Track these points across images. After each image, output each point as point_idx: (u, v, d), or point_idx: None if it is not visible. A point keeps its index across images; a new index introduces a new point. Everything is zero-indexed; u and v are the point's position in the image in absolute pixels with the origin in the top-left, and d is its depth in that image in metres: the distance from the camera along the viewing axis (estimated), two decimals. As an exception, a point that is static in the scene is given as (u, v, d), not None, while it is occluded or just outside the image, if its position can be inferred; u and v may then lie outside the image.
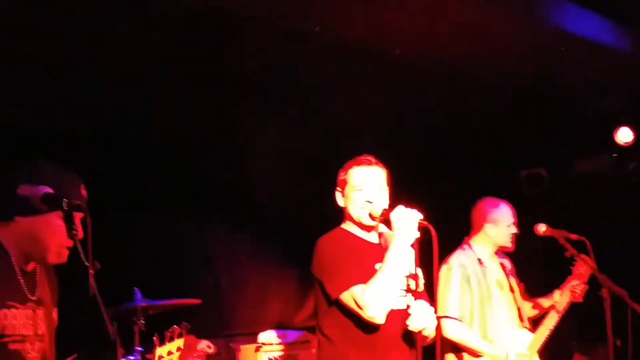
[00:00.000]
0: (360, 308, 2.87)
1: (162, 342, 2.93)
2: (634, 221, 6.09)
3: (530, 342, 4.17)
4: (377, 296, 2.86)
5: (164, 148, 5.08)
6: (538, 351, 4.22)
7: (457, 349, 4.18)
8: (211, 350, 4.84)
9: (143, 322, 3.96)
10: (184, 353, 4.58)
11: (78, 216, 2.36)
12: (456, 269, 4.21)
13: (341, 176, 3.20)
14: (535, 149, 6.39)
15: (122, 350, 3.76)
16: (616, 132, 5.82)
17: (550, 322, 4.19)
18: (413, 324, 2.88)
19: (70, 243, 2.41)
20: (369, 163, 3.16)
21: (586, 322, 5.97)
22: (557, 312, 4.19)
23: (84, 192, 2.49)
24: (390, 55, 4.54)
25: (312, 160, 5.41)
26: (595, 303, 4.19)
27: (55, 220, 2.41)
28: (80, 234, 2.31)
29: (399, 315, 2.97)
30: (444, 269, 4.23)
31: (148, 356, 4.51)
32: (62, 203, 2.30)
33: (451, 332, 4.12)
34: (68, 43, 3.86)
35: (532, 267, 4.66)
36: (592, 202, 6.30)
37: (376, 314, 2.87)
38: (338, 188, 3.21)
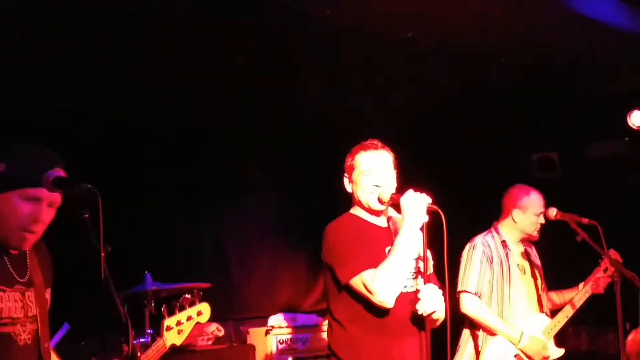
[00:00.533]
0: (371, 293, 2.87)
1: (171, 313, 2.94)
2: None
3: (546, 327, 4.18)
4: (387, 281, 2.86)
5: (173, 134, 5.09)
6: (554, 336, 4.22)
7: (473, 325, 4.21)
8: (221, 333, 4.87)
9: (153, 305, 3.99)
10: (198, 325, 4.65)
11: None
12: (479, 247, 4.25)
13: (348, 162, 3.19)
14: (547, 133, 6.35)
15: (133, 332, 3.82)
16: (629, 116, 5.77)
17: (569, 311, 4.21)
18: (422, 308, 2.88)
19: (38, 228, 2.34)
20: (376, 147, 3.14)
21: (597, 306, 5.99)
22: (574, 306, 4.21)
23: (61, 172, 2.35)
24: (398, 37, 4.51)
25: (321, 145, 5.40)
26: (607, 287, 4.19)
27: (15, 201, 2.29)
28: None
29: (409, 299, 2.97)
30: (468, 247, 4.31)
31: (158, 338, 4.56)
32: (71, 185, 2.28)
33: (468, 306, 4.16)
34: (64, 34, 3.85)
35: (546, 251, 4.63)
36: (604, 186, 6.27)
37: (386, 298, 2.87)
38: (345, 174, 3.21)
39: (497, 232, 4.34)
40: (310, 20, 4.17)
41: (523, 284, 4.28)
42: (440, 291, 2.96)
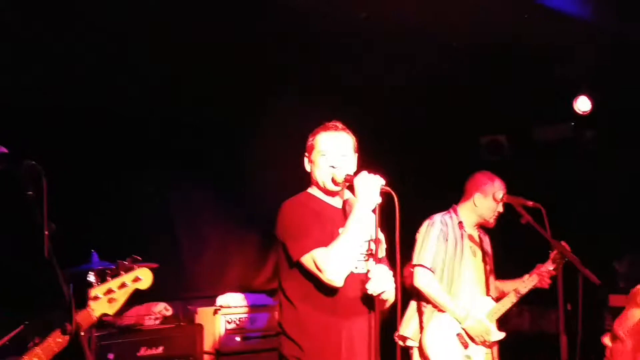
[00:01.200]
0: (320, 271, 2.88)
1: (102, 281, 2.74)
2: (588, 189, 6.23)
3: (491, 310, 4.27)
4: (337, 260, 2.88)
5: (121, 111, 4.98)
6: (497, 320, 4.31)
7: (421, 299, 4.28)
8: (168, 313, 4.83)
9: (99, 284, 3.91)
10: (146, 305, 4.58)
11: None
12: (437, 225, 4.32)
13: (309, 141, 3.19)
14: (497, 116, 6.46)
15: (77, 311, 3.74)
16: (575, 101, 5.90)
17: (513, 297, 4.28)
18: (372, 288, 2.91)
19: None
20: (336, 128, 3.15)
21: (538, 287, 6.14)
22: (519, 293, 4.27)
23: (2, 149, 2.30)
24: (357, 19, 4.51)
25: (278, 124, 5.37)
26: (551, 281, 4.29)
27: None
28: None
29: (359, 279, 2.99)
30: (426, 223, 4.38)
31: (104, 318, 4.49)
32: (13, 161, 2.22)
33: (421, 280, 4.21)
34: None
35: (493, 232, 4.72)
36: (550, 169, 6.42)
37: (335, 277, 2.88)
38: (306, 153, 3.21)
39: (456, 214, 4.41)
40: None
41: (473, 266, 4.36)
42: (391, 272, 2.99)
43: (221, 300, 5.13)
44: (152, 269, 4.17)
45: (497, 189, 4.37)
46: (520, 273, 4.41)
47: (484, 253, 4.45)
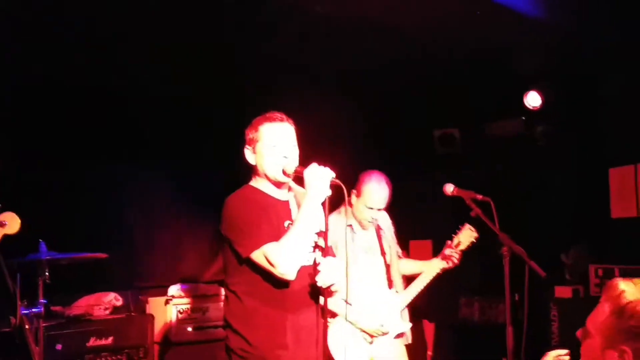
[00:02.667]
0: (273, 265, 2.87)
1: None
2: (537, 183, 6.36)
3: (395, 302, 4.25)
4: (289, 253, 2.87)
5: (78, 98, 4.90)
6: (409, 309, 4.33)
7: None
8: (119, 303, 4.79)
9: (48, 274, 3.86)
10: (96, 295, 4.50)
11: None
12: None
13: (250, 134, 3.14)
14: (449, 110, 6.54)
15: (25, 302, 3.69)
16: (525, 96, 6.00)
17: (418, 285, 4.30)
18: (321, 280, 2.93)
19: None
20: (281, 119, 3.12)
21: (488, 279, 6.26)
22: (424, 280, 4.30)
23: None
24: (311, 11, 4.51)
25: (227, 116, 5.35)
26: (497, 261, 4.37)
27: None
28: None
29: (307, 272, 3.01)
30: None
31: (53, 308, 4.44)
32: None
33: None
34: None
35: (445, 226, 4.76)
36: (502, 163, 6.53)
37: (288, 270, 2.88)
38: (247, 145, 3.15)
39: (346, 215, 4.13)
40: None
41: (369, 264, 4.28)
42: (340, 263, 3.01)
43: (173, 290, 5.11)
44: (101, 259, 4.19)
45: (372, 198, 4.22)
46: (470, 266, 4.48)
47: (382, 243, 4.38)
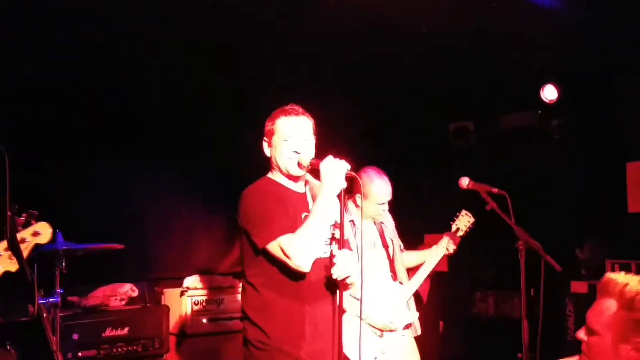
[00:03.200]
0: (288, 257, 2.88)
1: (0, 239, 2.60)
2: (552, 177, 6.32)
3: (401, 293, 4.24)
4: (304, 245, 2.88)
5: (88, 90, 4.92)
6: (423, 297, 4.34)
7: None
8: (134, 294, 4.82)
9: (64, 265, 3.89)
10: (112, 286, 4.56)
11: None
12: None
13: (268, 126, 3.16)
14: (464, 103, 6.51)
15: (42, 292, 3.72)
16: (542, 90, 5.96)
17: (421, 275, 4.31)
18: (337, 273, 2.93)
19: None
20: (297, 113, 3.13)
21: (504, 273, 6.23)
22: (430, 265, 4.31)
23: None
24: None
25: (244, 106, 5.36)
26: (512, 255, 4.35)
27: None
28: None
29: (323, 264, 3.02)
30: None
31: (69, 298, 4.48)
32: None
33: None
34: None
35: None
36: (517, 156, 6.50)
37: (303, 262, 2.89)
38: (265, 138, 3.18)
39: (347, 211, 4.20)
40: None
41: (374, 258, 4.27)
42: (355, 256, 3.02)
43: (188, 281, 5.13)
44: (117, 250, 4.22)
45: (377, 192, 4.21)
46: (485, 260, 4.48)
47: (384, 236, 4.38)
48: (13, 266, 2.63)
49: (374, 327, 4.13)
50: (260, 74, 5.40)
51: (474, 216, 4.41)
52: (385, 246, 4.37)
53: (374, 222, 4.39)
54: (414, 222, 4.90)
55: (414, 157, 6.75)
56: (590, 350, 2.19)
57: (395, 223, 4.56)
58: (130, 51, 4.81)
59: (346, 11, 4.62)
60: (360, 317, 3.11)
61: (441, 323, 6.31)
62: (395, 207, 4.55)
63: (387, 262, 4.35)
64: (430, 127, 6.84)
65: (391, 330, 4.14)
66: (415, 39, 5.18)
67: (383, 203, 4.26)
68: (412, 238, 5.01)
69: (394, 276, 4.33)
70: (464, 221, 4.38)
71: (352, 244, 4.03)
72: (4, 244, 2.57)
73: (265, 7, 4.58)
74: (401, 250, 4.53)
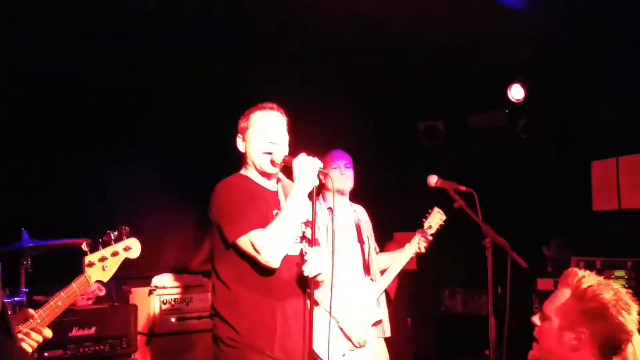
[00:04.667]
0: (257, 252, 2.88)
1: (94, 249, 2.92)
2: (520, 175, 6.40)
3: (366, 289, 4.24)
4: (274, 241, 2.88)
5: (58, 84, 4.85)
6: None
7: None
8: (102, 293, 4.75)
9: (30, 263, 3.83)
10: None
11: None
12: None
13: (242, 123, 3.18)
14: (434, 102, 6.56)
15: (7, 291, 3.66)
16: (509, 89, 6.03)
17: (393, 271, 4.31)
18: (308, 270, 2.93)
19: None
20: (271, 108, 3.16)
21: (472, 271, 6.30)
22: (401, 262, 4.32)
23: None
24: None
25: (213, 104, 5.33)
26: (480, 252, 4.40)
27: None
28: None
29: (294, 261, 3.02)
30: None
31: (35, 297, 4.40)
32: None
33: None
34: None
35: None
36: (485, 155, 6.57)
37: (272, 258, 2.89)
38: (239, 134, 3.19)
39: (324, 200, 4.28)
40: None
41: (348, 252, 4.29)
42: (326, 254, 3.02)
43: (157, 280, 5.08)
44: (84, 250, 4.14)
45: (331, 158, 4.33)
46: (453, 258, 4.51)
47: (361, 232, 4.40)
48: (105, 276, 2.93)
49: (349, 338, 4.07)
50: (233, 72, 5.37)
51: (445, 214, 4.43)
52: (361, 242, 4.38)
53: (352, 218, 4.39)
54: (383, 220, 4.91)
55: (384, 155, 6.78)
56: (540, 334, 2.31)
57: (372, 224, 4.58)
58: (104, 41, 4.74)
59: (317, 5, 4.62)
60: (330, 308, 3.09)
61: (409, 320, 6.34)
62: (365, 205, 4.58)
63: (360, 258, 4.35)
64: (400, 126, 6.87)
65: (360, 346, 4.07)
66: (385, 38, 5.20)
67: (340, 166, 4.29)
68: (382, 236, 5.01)
69: (367, 272, 4.33)
70: (435, 218, 4.37)
71: (329, 230, 4.06)
72: (99, 254, 2.88)
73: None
74: (376, 252, 4.54)
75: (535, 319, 2.33)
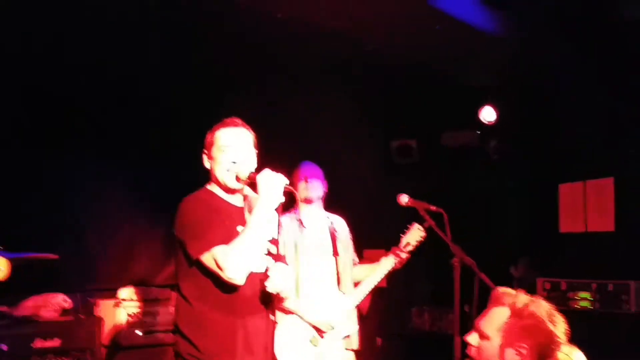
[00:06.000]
0: (221, 269, 2.86)
1: None
2: (490, 196, 6.47)
3: (343, 303, 4.25)
4: (238, 258, 2.86)
5: (32, 93, 4.80)
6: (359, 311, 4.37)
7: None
8: (67, 305, 4.69)
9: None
10: (44, 296, 4.46)
11: None
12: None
13: (208, 138, 3.16)
14: (407, 122, 6.62)
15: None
16: (480, 111, 6.11)
17: (367, 286, 4.33)
18: (271, 286, 2.94)
19: None
20: (235, 124, 3.14)
21: (439, 289, 6.33)
22: (376, 278, 4.34)
23: None
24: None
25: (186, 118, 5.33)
26: (448, 271, 4.42)
27: None
28: None
29: (257, 278, 3.01)
30: None
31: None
32: None
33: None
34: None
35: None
36: (457, 175, 6.63)
37: (236, 275, 2.87)
38: (205, 150, 3.17)
39: (296, 212, 4.29)
40: None
41: (318, 265, 4.30)
42: (290, 270, 3.02)
43: (123, 293, 5.04)
44: (52, 260, 4.12)
45: (300, 172, 4.35)
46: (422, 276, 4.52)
47: (336, 244, 4.40)
48: None
49: (313, 325, 4.10)
50: (207, 82, 5.38)
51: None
52: (335, 253, 4.38)
53: (328, 228, 4.40)
54: (353, 237, 4.92)
55: (356, 173, 6.81)
56: (480, 353, 2.44)
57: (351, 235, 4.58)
58: (75, 43, 4.72)
59: (286, 23, 4.66)
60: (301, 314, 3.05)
61: (379, 340, 6.33)
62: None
63: (334, 269, 4.34)
64: (372, 143, 6.92)
65: (331, 328, 4.11)
66: (359, 58, 5.25)
67: (304, 179, 4.31)
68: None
69: (339, 284, 4.33)
70: (414, 235, 4.36)
71: (292, 256, 4.10)
72: None
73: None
74: (354, 263, 4.54)
75: (471, 339, 2.45)
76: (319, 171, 4.46)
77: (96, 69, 4.96)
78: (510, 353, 2.37)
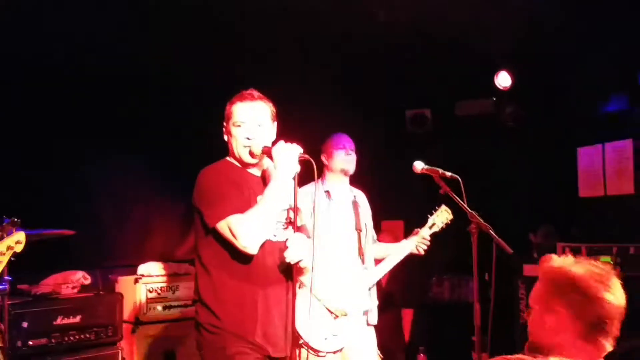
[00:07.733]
0: (235, 237, 2.86)
1: None
2: (506, 163, 6.42)
3: (363, 278, 4.25)
4: (252, 226, 2.86)
5: (37, 75, 4.80)
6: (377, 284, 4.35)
7: None
8: (87, 281, 4.72)
9: (14, 251, 3.79)
10: (64, 273, 4.50)
11: None
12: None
13: (227, 110, 3.14)
14: (421, 91, 6.56)
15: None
16: (496, 76, 6.03)
17: (388, 263, 4.33)
18: (290, 256, 2.93)
19: None
20: (252, 98, 3.10)
21: (459, 257, 6.30)
22: (397, 257, 4.33)
23: None
24: None
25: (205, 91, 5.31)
26: (468, 239, 4.40)
27: None
28: None
29: (277, 247, 3.01)
30: None
31: (19, 286, 4.39)
32: None
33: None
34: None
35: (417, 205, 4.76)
36: (473, 143, 6.57)
37: (249, 244, 2.87)
38: (224, 122, 3.16)
39: (323, 182, 4.32)
40: None
41: (343, 238, 4.29)
42: (309, 240, 3.01)
43: (142, 269, 5.06)
44: (69, 236, 4.13)
45: (333, 142, 4.34)
46: (440, 245, 4.49)
47: (359, 219, 4.40)
48: None
49: (329, 309, 4.11)
50: (220, 61, 5.34)
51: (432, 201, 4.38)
52: (358, 228, 4.37)
53: (351, 203, 4.38)
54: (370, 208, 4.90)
55: (371, 143, 6.77)
56: (529, 327, 2.28)
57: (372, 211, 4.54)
58: (97, 30, 4.71)
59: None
60: (311, 289, 3.08)
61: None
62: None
63: (356, 243, 4.34)
64: (387, 114, 6.87)
65: (343, 315, 4.11)
66: (373, 26, 5.19)
67: (340, 150, 4.28)
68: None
69: (362, 260, 4.33)
70: (442, 217, 4.32)
71: (322, 215, 4.09)
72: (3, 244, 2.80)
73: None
74: (374, 241, 4.53)
75: (526, 315, 2.32)
76: (354, 144, 4.42)
77: (108, 46, 4.94)
78: (548, 319, 2.17)
